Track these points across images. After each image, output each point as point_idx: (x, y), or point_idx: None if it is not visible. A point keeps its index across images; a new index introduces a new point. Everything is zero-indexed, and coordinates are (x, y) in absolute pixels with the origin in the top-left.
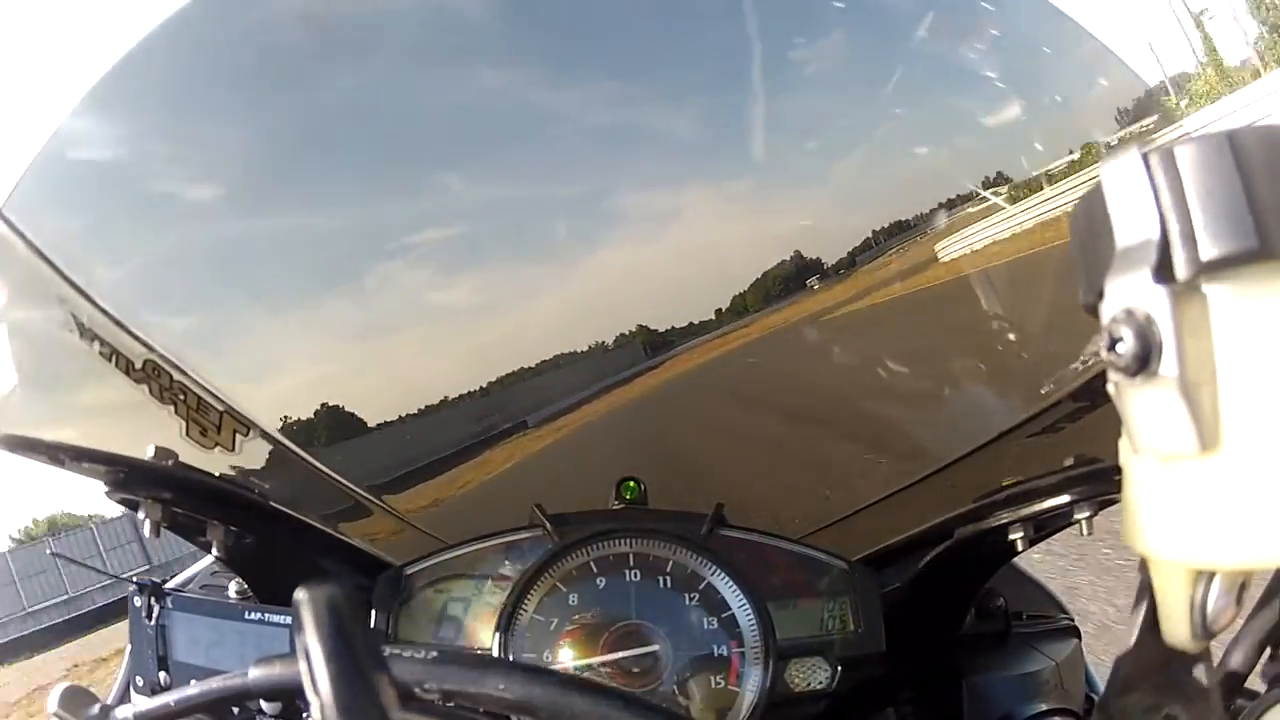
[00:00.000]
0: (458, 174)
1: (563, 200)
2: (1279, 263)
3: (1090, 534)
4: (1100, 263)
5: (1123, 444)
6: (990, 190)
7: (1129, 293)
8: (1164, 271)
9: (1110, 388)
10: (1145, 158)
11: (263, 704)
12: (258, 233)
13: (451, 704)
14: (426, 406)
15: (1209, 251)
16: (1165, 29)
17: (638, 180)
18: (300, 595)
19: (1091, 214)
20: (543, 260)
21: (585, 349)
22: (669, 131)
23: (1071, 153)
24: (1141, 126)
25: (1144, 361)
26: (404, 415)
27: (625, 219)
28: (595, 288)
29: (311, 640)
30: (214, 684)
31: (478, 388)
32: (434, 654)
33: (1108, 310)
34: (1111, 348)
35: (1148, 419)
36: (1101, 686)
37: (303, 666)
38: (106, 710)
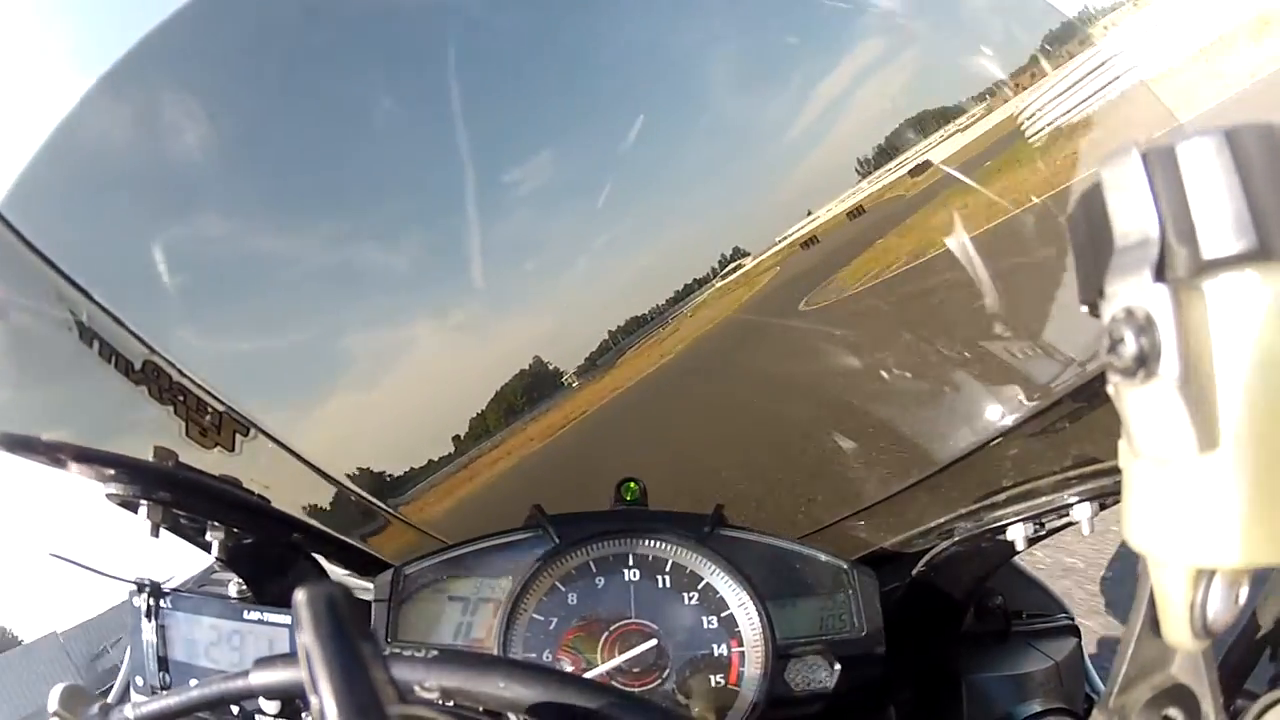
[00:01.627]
0: (186, 329)
1: (288, 349)
2: (1278, 262)
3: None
4: (1100, 262)
5: (1122, 444)
6: (733, 265)
7: (1129, 292)
8: (1164, 271)
9: (1110, 388)
10: (1145, 157)
11: (262, 703)
12: None
13: (451, 703)
14: None
15: (1209, 251)
16: None
17: (362, 320)
18: (300, 595)
19: (1090, 213)
20: (269, 414)
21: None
22: (389, 267)
23: (798, 222)
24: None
25: (1143, 362)
26: None
27: (350, 361)
28: (320, 438)
29: (312, 640)
30: (215, 684)
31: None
32: (434, 653)
33: (1108, 310)
34: (1112, 348)
35: (1147, 419)
36: (1101, 686)
37: (303, 666)
38: (107, 709)
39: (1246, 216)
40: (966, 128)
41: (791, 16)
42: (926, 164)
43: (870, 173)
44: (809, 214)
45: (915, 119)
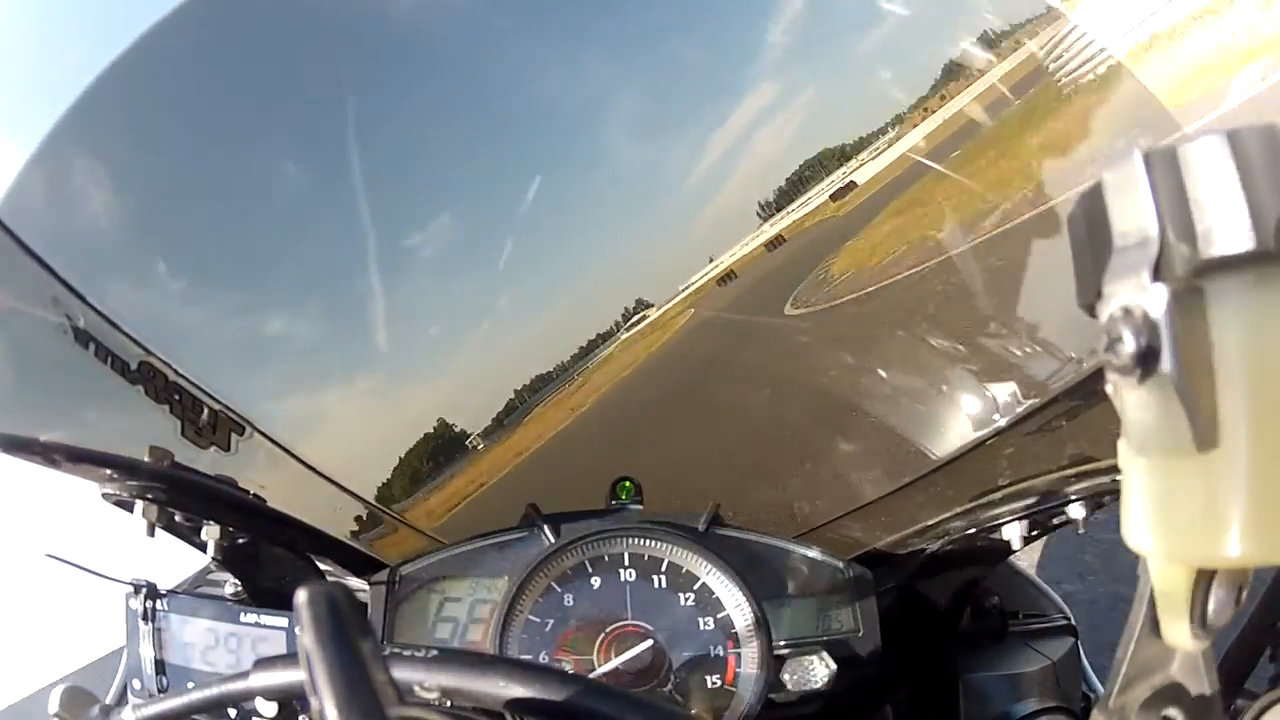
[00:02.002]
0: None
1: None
2: (1277, 263)
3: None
4: (1098, 262)
5: (1122, 443)
6: (638, 317)
7: (1128, 292)
8: (1163, 271)
9: (1108, 387)
10: (1146, 158)
11: (259, 704)
12: None
13: (450, 703)
14: None
15: (1208, 250)
16: None
17: (268, 392)
18: (301, 596)
19: (1089, 213)
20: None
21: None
22: (294, 337)
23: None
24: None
25: (1142, 361)
26: None
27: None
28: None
29: (312, 640)
30: (215, 685)
31: None
32: (434, 652)
33: (1106, 310)
34: (1110, 347)
35: (1147, 418)
36: (1098, 685)
37: (303, 667)
38: (108, 710)
39: (1247, 217)
40: (883, 151)
41: (687, 63)
42: (851, 185)
43: (771, 215)
44: (711, 260)
45: (820, 154)
